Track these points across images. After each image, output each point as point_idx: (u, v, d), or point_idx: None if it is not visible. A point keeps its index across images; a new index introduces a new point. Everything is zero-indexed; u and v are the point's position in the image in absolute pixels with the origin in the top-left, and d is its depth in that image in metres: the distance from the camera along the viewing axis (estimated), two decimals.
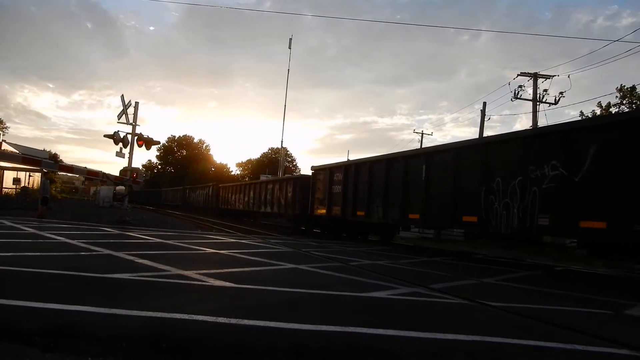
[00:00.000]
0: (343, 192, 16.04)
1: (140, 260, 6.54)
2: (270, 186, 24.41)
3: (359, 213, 14.96)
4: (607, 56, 60.59)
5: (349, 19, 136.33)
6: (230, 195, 31.89)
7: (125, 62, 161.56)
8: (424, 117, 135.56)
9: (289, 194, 21.30)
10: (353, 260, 8.67)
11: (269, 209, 24.32)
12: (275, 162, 50.42)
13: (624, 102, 30.81)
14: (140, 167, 56.38)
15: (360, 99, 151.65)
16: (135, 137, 16.56)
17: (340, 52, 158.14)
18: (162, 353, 2.77)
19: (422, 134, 42.25)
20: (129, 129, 16.53)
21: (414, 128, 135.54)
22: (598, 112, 31.49)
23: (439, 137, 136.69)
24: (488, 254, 14.18)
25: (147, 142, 16.93)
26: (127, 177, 17.14)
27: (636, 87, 30.08)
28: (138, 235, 11.26)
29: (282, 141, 33.44)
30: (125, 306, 3.70)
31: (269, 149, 72.04)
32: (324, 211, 17.41)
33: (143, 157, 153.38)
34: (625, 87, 30.93)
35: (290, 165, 64.26)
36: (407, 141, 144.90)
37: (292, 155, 72.86)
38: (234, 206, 30.47)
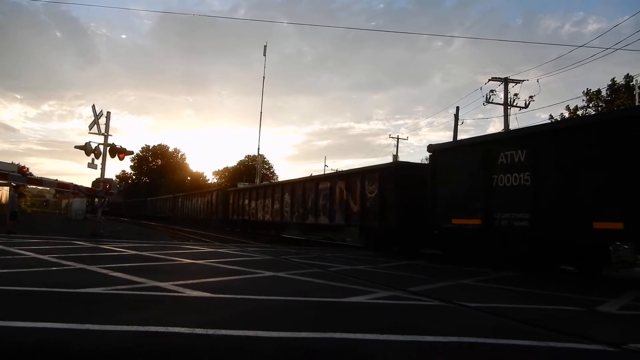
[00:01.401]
0: None
1: (115, 274, 6.39)
2: (328, 185, 16.17)
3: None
4: (574, 61, 62.90)
5: (324, 26, 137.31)
6: (245, 201, 24.03)
7: (97, 71, 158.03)
8: (400, 122, 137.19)
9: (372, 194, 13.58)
10: (332, 266, 8.67)
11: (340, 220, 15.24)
12: (252, 169, 50.20)
13: (590, 105, 31.93)
14: (114, 178, 54.88)
15: (336, 105, 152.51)
16: (108, 148, 16.22)
17: (316, 59, 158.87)
18: None
19: (398, 138, 42.86)
20: (101, 139, 16.20)
21: (390, 133, 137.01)
22: (566, 114, 32.51)
23: (414, 141, 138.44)
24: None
25: (120, 153, 16.60)
26: (100, 189, 16.76)
27: (601, 90, 31.21)
28: (112, 248, 11.01)
29: (258, 148, 33.38)
30: (100, 321, 3.61)
31: (246, 157, 71.76)
32: None
33: (117, 167, 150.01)
34: (591, 91, 32.05)
35: (268, 172, 64.04)
36: (384, 146, 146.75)
37: (270, 162, 72.72)
38: (255, 216, 22.43)
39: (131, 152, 17.61)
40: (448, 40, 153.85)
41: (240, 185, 31.35)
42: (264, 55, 35.45)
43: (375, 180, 13.34)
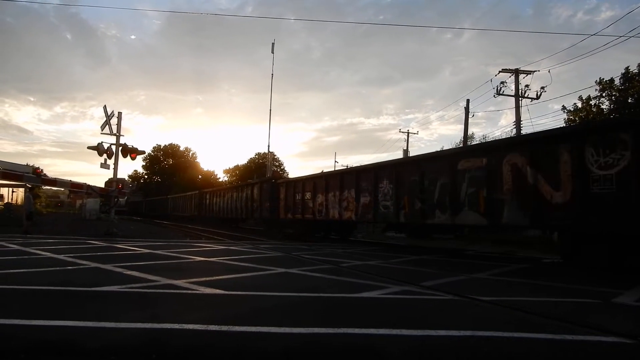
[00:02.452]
0: None
1: (129, 272, 6.46)
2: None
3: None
4: (587, 50, 61.56)
5: (332, 21, 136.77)
6: (306, 195, 18.34)
7: (108, 72, 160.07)
8: (410, 116, 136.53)
9: None
10: (344, 262, 8.67)
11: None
12: (263, 167, 50.27)
13: (604, 94, 31.39)
14: (126, 178, 55.07)
15: (346, 100, 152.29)
16: (120, 148, 16.39)
17: (324, 54, 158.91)
18: None
19: (408, 133, 42.55)
20: (112, 139, 16.38)
21: (400, 128, 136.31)
22: (579, 105, 32.00)
23: (425, 135, 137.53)
24: (479, 249, 14.29)
25: (132, 152, 16.76)
26: (113, 188, 16.95)
27: (614, 79, 30.66)
28: (126, 247, 11.13)
29: (268, 146, 33.27)
30: (114, 319, 3.65)
31: (256, 154, 71.80)
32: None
33: (129, 167, 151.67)
34: (605, 80, 31.53)
35: (278, 170, 64.16)
36: (394, 141, 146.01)
37: (280, 159, 72.78)
38: (324, 214, 16.98)
39: (143, 152, 17.77)
40: (457, 33, 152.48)
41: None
42: (272, 52, 35.39)
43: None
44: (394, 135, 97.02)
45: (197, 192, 36.42)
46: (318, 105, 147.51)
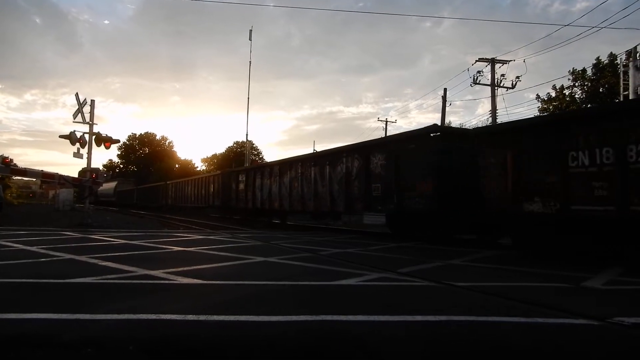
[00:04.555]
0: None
1: (104, 263, 6.36)
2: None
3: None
4: (562, 40, 63.11)
5: (312, 8, 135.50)
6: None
7: (80, 59, 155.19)
8: (390, 104, 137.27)
9: None
10: (323, 250, 8.72)
11: None
12: (241, 156, 49.88)
13: (576, 84, 32.13)
14: (101, 167, 51.43)
15: (326, 88, 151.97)
16: (93, 137, 16.00)
17: (304, 42, 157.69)
18: (130, 355, 2.71)
19: (386, 122, 42.93)
20: (86, 128, 15.95)
21: (379, 116, 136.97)
22: (553, 94, 32.70)
23: (404, 124, 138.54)
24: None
25: (106, 141, 16.38)
26: (87, 178, 16.57)
27: (587, 70, 31.39)
28: (102, 237, 10.94)
29: (247, 134, 32.81)
30: (90, 310, 3.60)
31: (235, 143, 71.31)
32: None
33: (103, 156, 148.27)
34: (577, 71, 32.21)
35: (257, 159, 63.79)
36: (373, 129, 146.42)
37: (258, 148, 72.37)
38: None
39: (117, 141, 17.38)
40: (437, 21, 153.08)
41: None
42: (250, 39, 34.99)
43: None
44: (373, 123, 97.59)
45: (205, 175, 30.92)
46: (298, 94, 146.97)
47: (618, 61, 25.72)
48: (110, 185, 54.08)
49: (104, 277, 5.25)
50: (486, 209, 9.17)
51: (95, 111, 16.22)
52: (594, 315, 3.67)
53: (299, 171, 16.45)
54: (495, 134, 9.63)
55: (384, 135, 40.48)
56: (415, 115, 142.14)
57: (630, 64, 17.06)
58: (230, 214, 24.35)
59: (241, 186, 21.87)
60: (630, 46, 19.74)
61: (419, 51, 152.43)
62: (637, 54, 18.49)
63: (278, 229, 18.00)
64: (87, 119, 15.92)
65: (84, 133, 15.85)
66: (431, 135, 11.15)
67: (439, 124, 27.90)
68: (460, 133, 12.43)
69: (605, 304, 4.44)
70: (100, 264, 6.34)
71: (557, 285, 5.30)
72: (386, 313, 3.69)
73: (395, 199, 11.60)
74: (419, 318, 3.55)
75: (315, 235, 13.21)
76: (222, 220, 23.13)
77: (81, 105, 15.87)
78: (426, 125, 11.76)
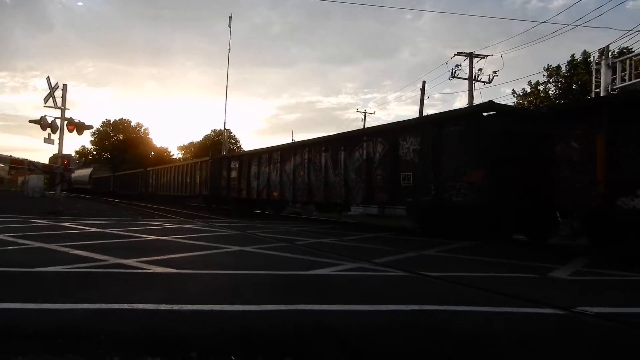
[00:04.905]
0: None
1: (75, 251, 6.22)
2: None
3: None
4: (539, 36, 64.54)
5: None
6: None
7: (52, 40, 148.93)
8: (369, 96, 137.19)
9: None
10: (299, 240, 8.74)
11: None
12: (219, 144, 49.33)
13: (550, 80, 32.84)
14: (73, 154, 49.17)
15: (306, 78, 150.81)
16: (65, 122, 15.58)
17: (285, 30, 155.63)
18: (100, 346, 2.67)
19: (365, 113, 43.02)
20: (57, 113, 15.55)
21: (358, 107, 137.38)
22: (528, 89, 33.34)
23: (382, 115, 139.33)
24: None
25: (79, 127, 16.00)
26: (58, 165, 16.14)
27: (561, 66, 32.08)
28: (73, 225, 10.69)
29: (224, 122, 32.45)
30: (59, 300, 3.52)
31: (212, 131, 70.36)
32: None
33: (76, 142, 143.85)
34: (552, 67, 32.90)
35: (235, 147, 63.19)
36: (352, 120, 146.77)
37: (237, 137, 71.65)
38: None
39: (90, 127, 17.00)
40: (418, 14, 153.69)
41: None
42: (229, 26, 34.39)
43: None
44: (352, 114, 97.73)
45: (198, 160, 26.79)
46: (277, 82, 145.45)
47: (591, 59, 26.38)
48: (86, 171, 52.64)
49: (74, 265, 5.14)
50: (559, 204, 7.78)
51: (68, 96, 15.83)
52: (559, 304, 3.79)
53: (305, 157, 14.74)
54: (580, 113, 7.65)
55: (362, 127, 40.32)
56: (394, 107, 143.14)
57: (603, 62, 17.49)
58: (220, 204, 22.51)
59: (233, 174, 20.08)
60: (603, 45, 20.23)
61: (399, 43, 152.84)
62: (610, 53, 19.00)
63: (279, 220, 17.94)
64: (59, 104, 15.50)
65: (56, 118, 15.43)
66: (484, 114, 9.31)
67: (418, 115, 28.03)
68: (523, 114, 10.96)
69: (571, 293, 4.60)
70: (71, 252, 6.20)
71: (526, 275, 5.45)
72: (360, 302, 3.74)
73: (432, 190, 9.83)
74: (391, 307, 3.60)
75: (292, 226, 13.22)
76: (205, 210, 22.73)
77: (52, 89, 15.41)
78: (477, 104, 10.42)
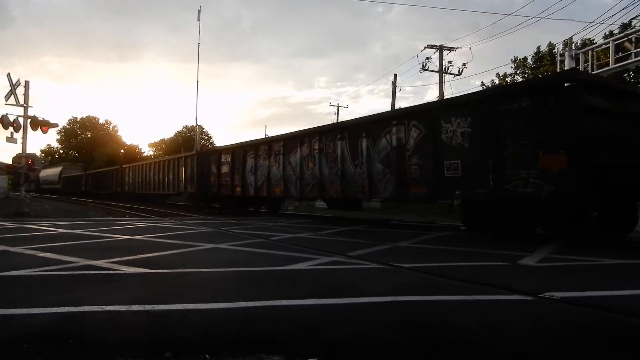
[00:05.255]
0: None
1: (43, 254, 6.04)
2: None
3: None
4: (506, 28, 65.97)
5: None
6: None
7: (12, 34, 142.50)
8: (342, 89, 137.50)
9: None
10: (274, 235, 8.73)
11: None
12: (191, 140, 48.52)
13: (518, 72, 33.65)
14: (39, 153, 46.79)
15: (278, 72, 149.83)
16: (29, 120, 15.02)
17: (256, 23, 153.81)
18: (70, 350, 2.61)
19: (338, 106, 43.08)
20: (20, 111, 14.95)
21: (331, 101, 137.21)
22: (497, 81, 34.07)
23: (356, 109, 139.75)
24: (404, 219, 15.00)
25: (43, 125, 15.43)
26: (22, 165, 15.57)
27: (527, 58, 32.90)
28: (40, 227, 10.37)
29: (196, 118, 31.69)
30: (26, 305, 3.41)
31: (184, 127, 69.10)
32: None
33: (41, 141, 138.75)
34: (519, 59, 33.69)
35: (207, 144, 62.30)
36: (325, 114, 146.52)
37: (209, 133, 70.63)
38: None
39: (55, 125, 16.40)
40: (388, 7, 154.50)
41: None
42: (199, 20, 33.78)
43: None
44: (326, 108, 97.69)
45: (183, 154, 24.89)
46: (250, 77, 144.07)
47: (556, 50, 27.13)
48: (55, 170, 50.40)
49: (42, 268, 4.99)
50: None
51: (31, 92, 15.24)
52: (526, 291, 3.92)
53: (315, 147, 13.01)
54: None
55: (337, 120, 39.95)
56: (367, 100, 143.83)
57: (567, 53, 18.03)
58: (209, 202, 20.64)
59: (225, 169, 18.16)
60: (567, 36, 20.81)
61: (370, 36, 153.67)
62: (573, 44, 19.60)
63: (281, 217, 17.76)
64: (22, 101, 14.91)
65: (18, 116, 14.86)
66: (566, 85, 7.42)
67: (390, 108, 28.24)
68: (619, 89, 8.77)
69: (538, 280, 4.75)
70: (38, 255, 6.02)
71: (496, 263, 5.61)
72: (334, 296, 3.77)
73: (490, 180, 8.17)
74: (365, 300, 3.65)
75: (267, 221, 13.17)
76: (182, 209, 22.36)
77: (14, 86, 14.83)
78: (557, 72, 8.08)
